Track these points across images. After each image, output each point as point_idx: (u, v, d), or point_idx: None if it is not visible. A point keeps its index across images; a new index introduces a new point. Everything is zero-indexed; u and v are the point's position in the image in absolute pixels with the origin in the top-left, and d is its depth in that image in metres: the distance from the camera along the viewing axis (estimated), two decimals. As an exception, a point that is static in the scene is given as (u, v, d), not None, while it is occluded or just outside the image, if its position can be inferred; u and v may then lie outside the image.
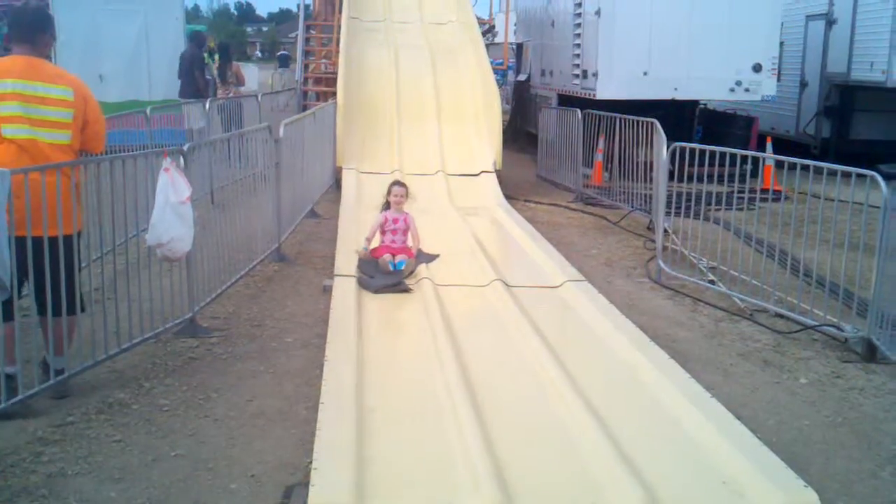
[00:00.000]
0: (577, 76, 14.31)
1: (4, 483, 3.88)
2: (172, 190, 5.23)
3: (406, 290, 6.72)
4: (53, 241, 4.62)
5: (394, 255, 6.98)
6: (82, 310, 5.01)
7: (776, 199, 10.35)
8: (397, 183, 7.45)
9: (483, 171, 11.69)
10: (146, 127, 10.82)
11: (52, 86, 4.76)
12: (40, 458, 4.11)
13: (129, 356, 5.35)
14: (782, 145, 14.42)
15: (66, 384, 4.83)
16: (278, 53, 44.04)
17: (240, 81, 18.61)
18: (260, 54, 69.21)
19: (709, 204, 8.30)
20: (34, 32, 4.85)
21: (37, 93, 4.70)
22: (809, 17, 16.11)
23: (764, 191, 11.05)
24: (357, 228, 8.65)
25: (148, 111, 11.05)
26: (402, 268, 6.90)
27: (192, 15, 43.90)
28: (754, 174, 10.37)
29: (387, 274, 6.85)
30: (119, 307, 5.17)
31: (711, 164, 7.56)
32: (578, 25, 14.31)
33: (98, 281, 5.42)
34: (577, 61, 14.34)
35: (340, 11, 15.36)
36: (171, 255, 5.37)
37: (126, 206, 5.36)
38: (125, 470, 4.04)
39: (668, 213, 8.21)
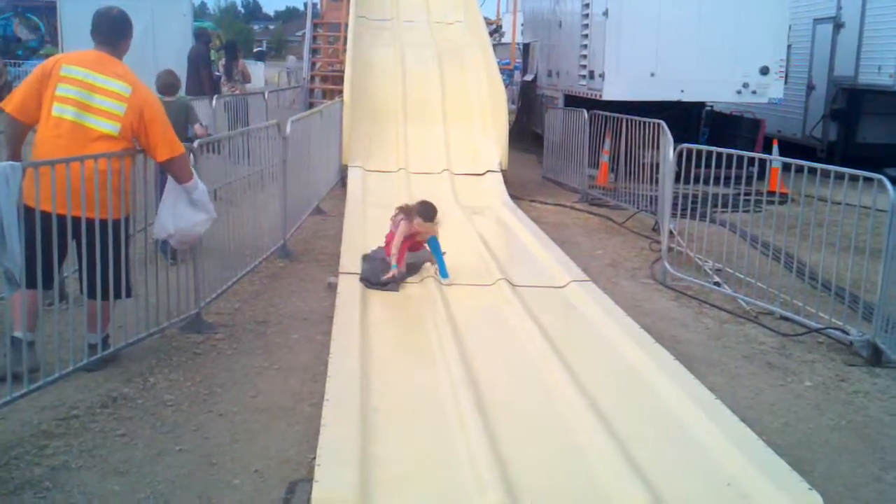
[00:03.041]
0: (583, 77, 14.31)
1: (9, 476, 3.88)
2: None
3: (395, 289, 6.72)
4: (91, 223, 4.79)
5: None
6: (128, 295, 5.24)
7: (782, 202, 10.32)
8: (423, 214, 6.92)
9: (489, 171, 11.69)
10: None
11: (112, 80, 5.00)
12: (44, 452, 4.12)
13: (135, 351, 5.36)
14: (789, 148, 14.37)
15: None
16: (255, 49, 44.56)
17: (246, 79, 18.63)
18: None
19: (715, 206, 8.30)
20: (117, 39, 5.19)
21: (95, 82, 4.95)
22: (817, 21, 16.08)
23: (770, 193, 11.00)
24: (362, 226, 8.67)
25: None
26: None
27: (199, 12, 44.03)
28: (761, 176, 10.33)
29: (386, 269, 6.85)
30: (125, 302, 5.20)
31: (718, 166, 7.54)
32: (586, 26, 14.29)
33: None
34: (583, 62, 14.33)
35: (348, 10, 15.37)
36: (186, 240, 5.44)
37: (135, 201, 5.36)
38: (129, 464, 4.04)
39: (673, 215, 8.20)
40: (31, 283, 4.40)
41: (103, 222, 4.85)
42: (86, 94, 4.91)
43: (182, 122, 7.94)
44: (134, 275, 5.37)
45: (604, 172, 12.53)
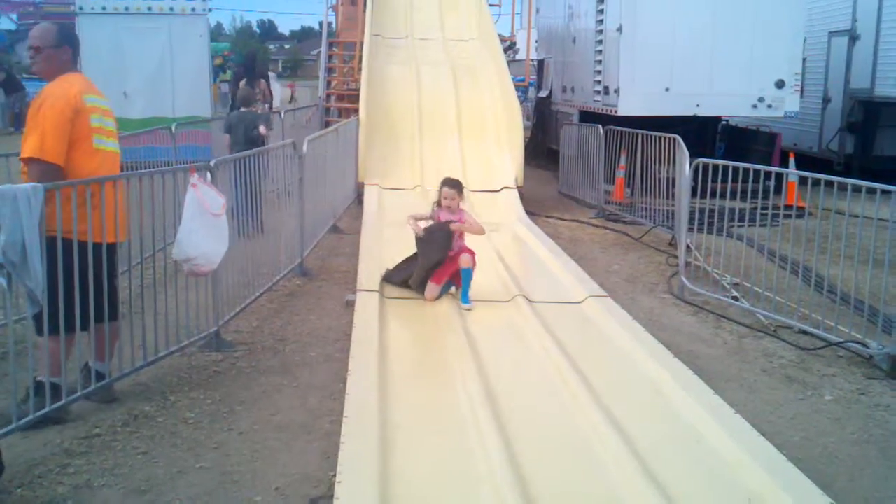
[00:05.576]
0: (598, 92, 14.34)
1: (32, 494, 3.92)
2: (205, 204, 5.29)
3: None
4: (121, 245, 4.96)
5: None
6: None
7: (799, 216, 10.28)
8: (447, 183, 7.18)
9: (504, 187, 11.73)
10: (171, 143, 10.92)
11: (104, 99, 5.02)
12: (67, 470, 4.16)
13: (155, 369, 5.41)
14: (805, 161, 14.34)
15: (111, 389, 4.99)
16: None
17: (266, 99, 18.64)
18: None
19: (731, 220, 8.27)
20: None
21: (104, 106, 4.97)
22: (832, 34, 16.05)
23: (787, 207, 10.98)
24: (379, 243, 8.70)
25: (173, 128, 11.16)
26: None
27: (216, 32, 44.54)
28: (777, 190, 10.28)
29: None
30: (145, 321, 5.24)
31: (734, 181, 7.53)
32: (600, 42, 14.33)
33: (125, 294, 5.47)
34: (598, 77, 14.36)
35: (363, 29, 15.50)
36: (198, 270, 5.40)
37: (154, 221, 5.40)
38: (151, 482, 4.07)
39: (690, 230, 8.19)
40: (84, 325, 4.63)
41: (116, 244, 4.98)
42: (107, 121, 4.94)
43: (255, 126, 10.01)
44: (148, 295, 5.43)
45: (620, 188, 12.54)
